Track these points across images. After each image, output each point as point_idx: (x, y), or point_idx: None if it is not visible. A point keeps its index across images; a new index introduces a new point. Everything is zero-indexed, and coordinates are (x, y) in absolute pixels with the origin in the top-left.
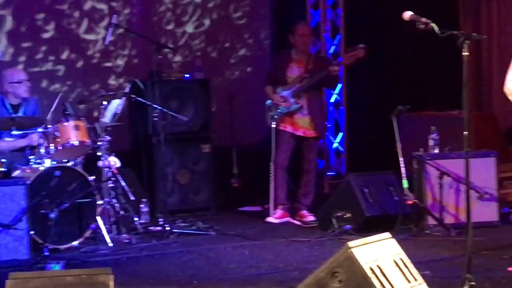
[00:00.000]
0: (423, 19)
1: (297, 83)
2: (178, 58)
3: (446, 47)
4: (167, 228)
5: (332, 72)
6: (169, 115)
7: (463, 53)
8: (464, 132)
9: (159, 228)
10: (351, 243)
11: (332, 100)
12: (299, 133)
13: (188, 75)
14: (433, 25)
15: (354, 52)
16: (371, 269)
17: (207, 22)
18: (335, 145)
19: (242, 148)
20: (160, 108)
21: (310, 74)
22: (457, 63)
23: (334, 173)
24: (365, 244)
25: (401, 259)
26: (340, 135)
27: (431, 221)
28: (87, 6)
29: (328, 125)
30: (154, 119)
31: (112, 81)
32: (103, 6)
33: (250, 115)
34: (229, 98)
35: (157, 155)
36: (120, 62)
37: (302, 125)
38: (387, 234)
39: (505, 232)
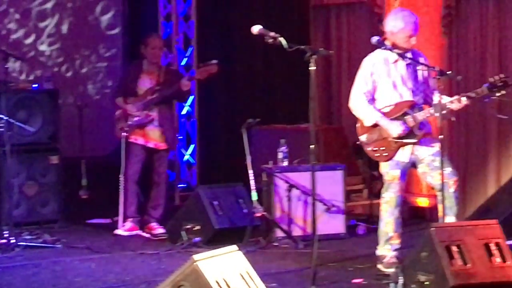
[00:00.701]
0: (272, 34)
1: (148, 95)
2: (26, 68)
3: (297, 61)
4: (12, 241)
5: (183, 87)
6: (16, 125)
7: (310, 68)
8: (311, 145)
9: (3, 241)
10: (196, 256)
11: (184, 112)
12: (150, 145)
13: (36, 85)
14: (281, 39)
15: (206, 67)
16: (217, 282)
17: (58, 31)
18: (186, 157)
19: (92, 159)
20: (6, 118)
21: (161, 87)
22: (307, 77)
23: (185, 186)
24: (212, 257)
25: (247, 272)
26: (192, 147)
27: (279, 233)
28: None
29: (179, 137)
30: (0, 129)
31: None
32: None
33: (100, 126)
34: (79, 109)
35: (3, 166)
36: None
37: (153, 137)
38: (234, 247)
39: (352, 244)
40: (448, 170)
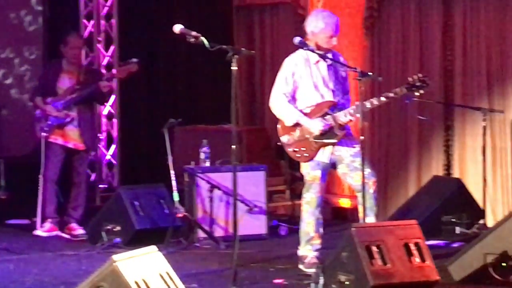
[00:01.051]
0: (193, 33)
1: (68, 94)
2: None
3: (220, 61)
4: None
5: (101, 88)
6: None
7: (232, 68)
8: (232, 146)
9: None
10: (116, 257)
11: (105, 112)
12: (70, 145)
13: None
14: (203, 39)
15: (127, 66)
16: (136, 283)
17: None
18: (107, 157)
19: (10, 159)
20: None
21: (81, 87)
22: (230, 78)
23: (106, 186)
24: (131, 257)
25: (167, 272)
26: (113, 147)
27: (201, 234)
28: None
29: (100, 137)
30: None
31: None
32: None
33: (19, 126)
34: None
35: None
36: None
37: (73, 137)
38: (153, 248)
39: (273, 245)
40: (367, 171)
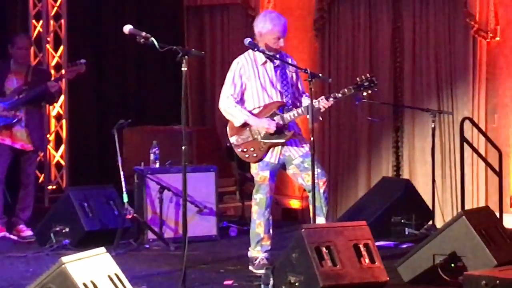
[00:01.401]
0: (143, 34)
1: (15, 95)
2: None
3: (170, 62)
4: None
5: (50, 88)
6: None
7: (182, 69)
8: (183, 147)
9: None
10: (65, 259)
11: (54, 112)
12: (17, 146)
13: None
14: (153, 39)
15: (75, 67)
16: (85, 284)
17: None
18: (56, 158)
19: None
20: None
21: (29, 87)
22: (180, 78)
23: (54, 187)
24: (80, 259)
25: (116, 274)
26: (62, 148)
27: (151, 235)
28: None
29: (49, 138)
30: None
31: None
32: None
33: None
34: None
35: None
36: None
37: (20, 138)
38: (102, 249)
39: (224, 246)
40: (318, 171)
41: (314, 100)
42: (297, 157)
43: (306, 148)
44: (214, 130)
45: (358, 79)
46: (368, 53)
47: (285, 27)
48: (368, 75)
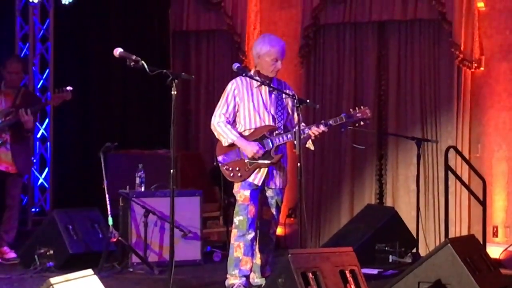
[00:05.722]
0: (133, 57)
1: (2, 116)
2: None
3: (157, 85)
4: None
5: (24, 124)
6: None
7: (172, 92)
8: (171, 170)
9: None
10: (53, 280)
11: (39, 135)
12: (2, 168)
13: None
14: (143, 62)
15: (61, 94)
16: None
17: None
18: (40, 181)
19: None
20: None
21: (16, 110)
22: (166, 102)
23: (38, 210)
24: (68, 280)
25: None
26: (46, 170)
27: (135, 259)
28: None
29: (33, 161)
30: None
31: None
32: None
33: None
34: None
35: None
36: None
37: (5, 160)
38: (89, 271)
39: (208, 271)
40: (276, 215)
41: (306, 128)
42: (273, 188)
43: (282, 184)
44: (199, 154)
45: (351, 110)
46: (353, 81)
47: (283, 50)
48: (367, 111)
